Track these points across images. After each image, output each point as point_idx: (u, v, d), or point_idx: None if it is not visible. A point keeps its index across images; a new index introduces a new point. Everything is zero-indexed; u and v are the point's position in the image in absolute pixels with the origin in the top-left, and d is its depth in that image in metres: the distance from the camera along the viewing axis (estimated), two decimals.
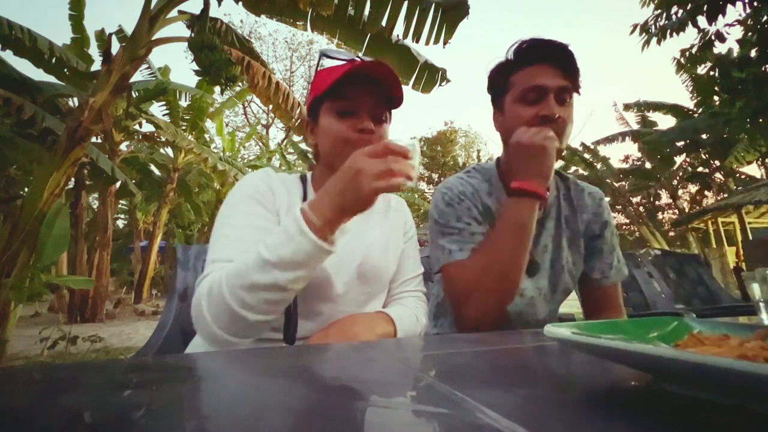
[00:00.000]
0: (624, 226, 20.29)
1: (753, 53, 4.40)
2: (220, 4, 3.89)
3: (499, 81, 0.94)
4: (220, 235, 0.73)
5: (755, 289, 0.57)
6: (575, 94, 0.90)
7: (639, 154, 13.88)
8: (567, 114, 0.87)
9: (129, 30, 4.57)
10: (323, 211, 0.61)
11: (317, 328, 0.74)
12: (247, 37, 5.09)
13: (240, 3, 4.01)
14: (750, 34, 4.35)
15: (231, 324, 0.61)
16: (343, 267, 0.78)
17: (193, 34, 3.73)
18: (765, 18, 4.09)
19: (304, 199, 0.81)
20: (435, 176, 25.31)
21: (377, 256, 0.83)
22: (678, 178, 13.13)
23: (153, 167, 10.30)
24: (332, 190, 0.61)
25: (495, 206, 0.97)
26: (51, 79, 5.74)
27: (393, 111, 0.84)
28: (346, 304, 0.77)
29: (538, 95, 0.86)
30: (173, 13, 3.87)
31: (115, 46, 3.65)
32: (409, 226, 0.95)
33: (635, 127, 13.07)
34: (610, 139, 12.61)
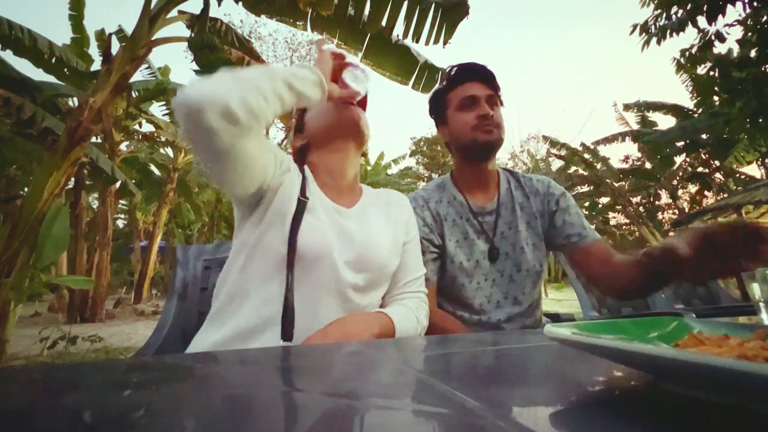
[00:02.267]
0: (624, 226, 20.30)
1: (753, 53, 4.40)
2: (220, 4, 3.89)
3: (440, 101, 1.17)
4: None
5: (755, 289, 0.57)
6: (501, 106, 1.12)
7: (639, 154, 13.86)
8: (498, 113, 1.10)
9: (129, 30, 4.57)
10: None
11: (315, 318, 0.73)
12: (247, 37, 5.08)
13: (240, 3, 4.01)
14: (750, 34, 4.35)
15: (221, 85, 0.64)
16: (345, 244, 0.79)
17: (193, 34, 3.73)
18: (765, 18, 4.09)
19: (302, 185, 0.83)
20: (435, 176, 25.30)
21: (378, 243, 0.83)
22: (678, 178, 13.12)
23: (153, 167, 10.30)
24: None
25: (445, 210, 1.14)
26: (51, 79, 5.74)
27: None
28: (346, 286, 0.77)
29: (472, 102, 1.09)
30: (173, 13, 3.87)
31: (115, 46, 3.66)
32: (411, 225, 0.95)
33: (635, 127, 13.04)
34: (610, 139, 12.59)
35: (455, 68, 1.14)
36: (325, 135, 0.90)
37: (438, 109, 1.19)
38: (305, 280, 0.74)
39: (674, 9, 4.36)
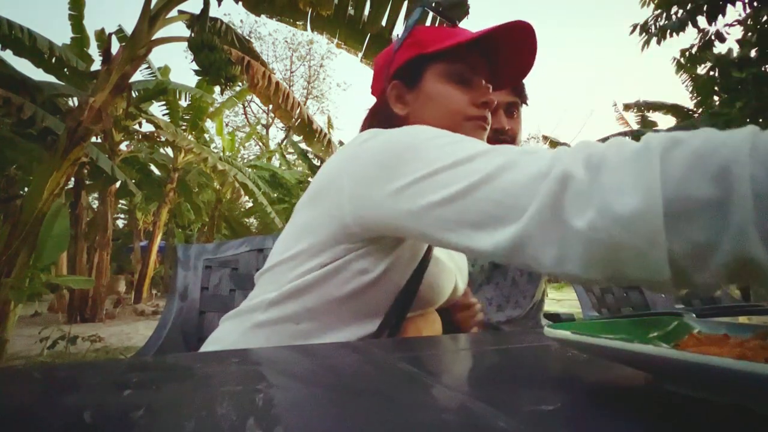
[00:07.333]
0: None
1: (753, 53, 4.40)
2: (220, 4, 3.89)
3: None
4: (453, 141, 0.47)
5: None
6: (523, 105, 1.04)
7: None
8: (515, 125, 1.02)
9: (129, 30, 4.57)
10: None
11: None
12: (247, 37, 5.09)
13: (240, 3, 4.01)
14: (750, 34, 4.35)
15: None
16: (459, 273, 0.75)
17: (193, 34, 3.73)
18: (765, 18, 4.09)
19: None
20: None
21: (466, 264, 0.81)
22: None
23: (153, 167, 10.30)
24: None
25: None
26: (51, 79, 5.74)
27: None
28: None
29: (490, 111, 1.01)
30: (173, 13, 3.87)
31: (115, 46, 3.67)
32: None
33: (635, 127, 13.05)
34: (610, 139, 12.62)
35: None
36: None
37: None
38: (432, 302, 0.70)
39: (674, 9, 4.37)
